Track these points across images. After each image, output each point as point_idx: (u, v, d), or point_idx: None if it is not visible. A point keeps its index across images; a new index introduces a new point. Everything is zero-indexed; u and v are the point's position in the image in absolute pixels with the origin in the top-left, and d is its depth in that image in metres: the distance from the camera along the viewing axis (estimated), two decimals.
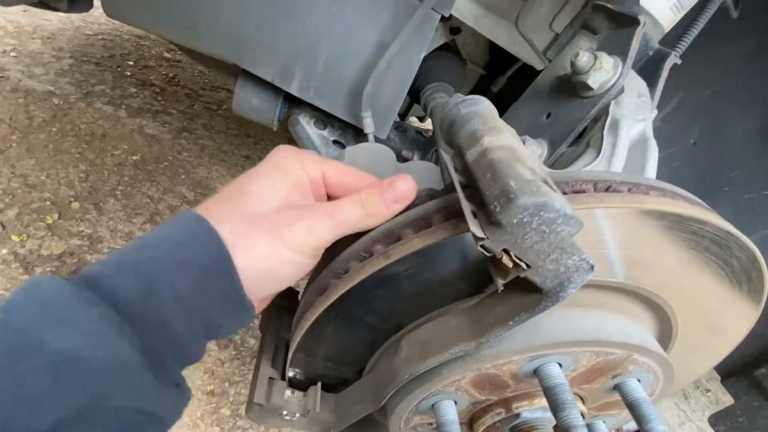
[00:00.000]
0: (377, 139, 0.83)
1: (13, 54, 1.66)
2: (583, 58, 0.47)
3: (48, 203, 1.17)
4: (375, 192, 0.33)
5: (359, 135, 0.96)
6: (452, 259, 0.34)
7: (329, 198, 0.37)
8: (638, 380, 0.40)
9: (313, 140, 0.90)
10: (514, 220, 0.24)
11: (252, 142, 1.84)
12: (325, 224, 0.31)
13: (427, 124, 1.33)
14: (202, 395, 0.99)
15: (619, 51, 0.49)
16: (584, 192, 0.31)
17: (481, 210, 0.27)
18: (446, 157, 0.33)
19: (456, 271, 0.35)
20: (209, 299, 0.28)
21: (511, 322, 0.30)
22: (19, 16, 1.86)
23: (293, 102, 0.92)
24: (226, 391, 1.02)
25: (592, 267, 0.27)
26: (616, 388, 0.40)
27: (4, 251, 1.03)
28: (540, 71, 0.95)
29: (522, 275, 0.27)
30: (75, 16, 2.02)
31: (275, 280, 0.32)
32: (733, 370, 0.83)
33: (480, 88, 1.23)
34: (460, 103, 0.34)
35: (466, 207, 0.27)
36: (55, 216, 1.15)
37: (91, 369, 0.23)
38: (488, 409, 0.40)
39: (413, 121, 1.53)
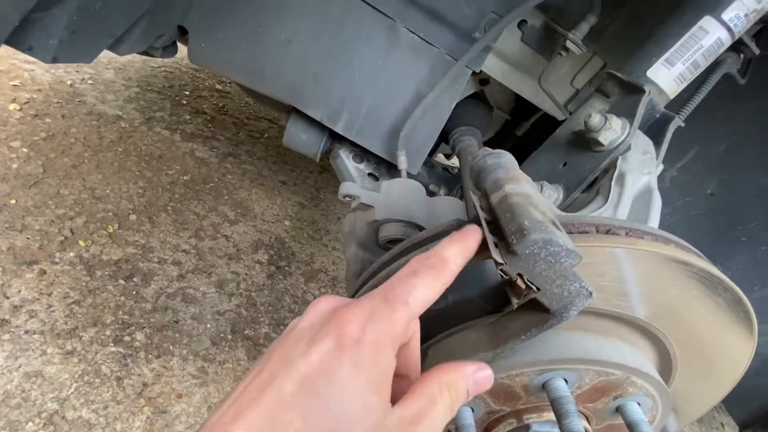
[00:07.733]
0: (409, 175, 0.93)
1: (90, 81, 1.89)
2: (595, 119, 0.55)
3: (110, 214, 1.32)
4: (462, 381, 0.28)
5: (392, 169, 1.06)
6: (476, 282, 0.42)
7: None
8: (638, 403, 0.45)
9: (351, 172, 1.00)
10: (527, 251, 0.32)
11: (288, 169, 1.98)
12: None
13: (454, 162, 1.42)
14: None
15: (627, 114, 0.56)
16: (587, 233, 0.38)
17: (501, 242, 0.35)
18: (474, 198, 0.41)
19: (479, 292, 0.42)
20: None
21: (523, 336, 0.37)
22: None
23: (335, 138, 1.04)
24: None
25: (590, 294, 0.33)
26: (618, 410, 0.45)
27: (71, 254, 1.17)
28: (560, 121, 1.04)
29: (533, 296, 0.34)
30: None
31: None
32: (751, 421, 0.83)
33: (505, 131, 1.32)
34: (487, 155, 0.42)
35: (490, 238, 0.35)
36: (116, 226, 1.29)
37: None
38: (502, 419, 0.46)
39: (440, 157, 1.62)
